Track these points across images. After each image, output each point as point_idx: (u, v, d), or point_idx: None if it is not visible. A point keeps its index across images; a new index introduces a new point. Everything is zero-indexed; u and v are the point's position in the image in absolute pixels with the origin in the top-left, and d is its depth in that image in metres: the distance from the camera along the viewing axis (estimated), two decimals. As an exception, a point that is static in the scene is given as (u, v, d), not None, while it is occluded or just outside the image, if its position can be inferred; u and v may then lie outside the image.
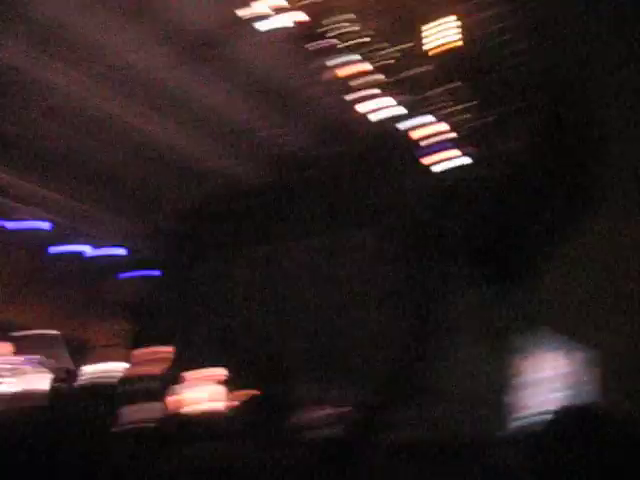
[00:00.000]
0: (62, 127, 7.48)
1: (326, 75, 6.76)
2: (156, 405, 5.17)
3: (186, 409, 5.54)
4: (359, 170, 7.47)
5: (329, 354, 7.15)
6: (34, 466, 1.64)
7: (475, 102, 6.84)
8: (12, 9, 5.95)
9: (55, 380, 6.07)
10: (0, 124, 7.32)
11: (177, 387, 5.66)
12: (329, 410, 4.79)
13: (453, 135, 7.19)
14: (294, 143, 7.71)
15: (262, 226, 8.19)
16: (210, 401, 5.66)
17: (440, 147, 7.24)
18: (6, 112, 7.29)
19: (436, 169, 7.30)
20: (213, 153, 7.82)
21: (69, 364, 6.45)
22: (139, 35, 6.45)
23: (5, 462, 1.67)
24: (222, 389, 5.74)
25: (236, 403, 5.43)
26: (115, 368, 6.40)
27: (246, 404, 4.36)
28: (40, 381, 6.20)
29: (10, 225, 8.12)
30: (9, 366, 5.83)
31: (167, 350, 5.61)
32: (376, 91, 6.89)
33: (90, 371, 6.29)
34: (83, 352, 9.07)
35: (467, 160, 7.24)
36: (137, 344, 9.36)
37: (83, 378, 6.06)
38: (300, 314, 7.59)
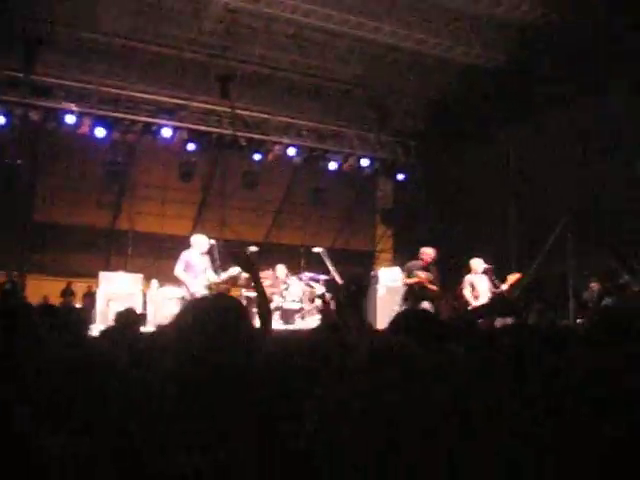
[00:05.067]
0: (295, 55, 7.70)
1: None
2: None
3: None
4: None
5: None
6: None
7: None
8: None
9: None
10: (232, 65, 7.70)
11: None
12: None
13: None
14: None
15: (510, 103, 7.61)
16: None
17: None
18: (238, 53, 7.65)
19: None
20: (442, 45, 7.49)
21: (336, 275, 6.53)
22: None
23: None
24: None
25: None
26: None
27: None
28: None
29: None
30: (301, 285, 6.31)
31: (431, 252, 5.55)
32: None
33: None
34: (351, 261, 9.36)
35: None
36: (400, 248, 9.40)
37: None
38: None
